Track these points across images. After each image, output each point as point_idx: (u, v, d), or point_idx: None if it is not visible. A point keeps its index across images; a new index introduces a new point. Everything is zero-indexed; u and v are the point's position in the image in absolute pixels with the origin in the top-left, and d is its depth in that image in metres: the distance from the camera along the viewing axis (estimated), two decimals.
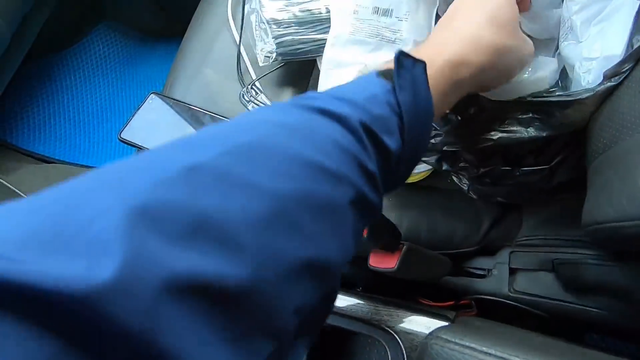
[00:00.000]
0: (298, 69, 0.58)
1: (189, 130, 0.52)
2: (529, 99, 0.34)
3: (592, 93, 0.31)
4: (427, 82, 0.24)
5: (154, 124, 0.52)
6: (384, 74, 0.24)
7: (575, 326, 0.40)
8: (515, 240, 0.48)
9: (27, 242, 0.12)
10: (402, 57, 0.23)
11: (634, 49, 0.30)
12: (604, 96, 0.32)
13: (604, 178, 0.31)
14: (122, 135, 0.51)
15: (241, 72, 0.56)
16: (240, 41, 0.57)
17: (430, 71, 0.25)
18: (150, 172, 0.15)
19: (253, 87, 0.52)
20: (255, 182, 0.16)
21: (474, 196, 0.46)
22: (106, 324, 0.11)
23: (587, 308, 0.38)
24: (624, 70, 0.30)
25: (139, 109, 0.53)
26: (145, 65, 1.13)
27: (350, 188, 0.20)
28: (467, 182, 0.45)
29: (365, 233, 0.39)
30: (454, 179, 0.46)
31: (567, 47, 0.38)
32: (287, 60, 0.54)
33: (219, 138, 0.18)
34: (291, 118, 0.20)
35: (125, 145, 0.52)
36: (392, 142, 0.22)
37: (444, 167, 0.45)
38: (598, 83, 0.32)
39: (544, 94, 0.34)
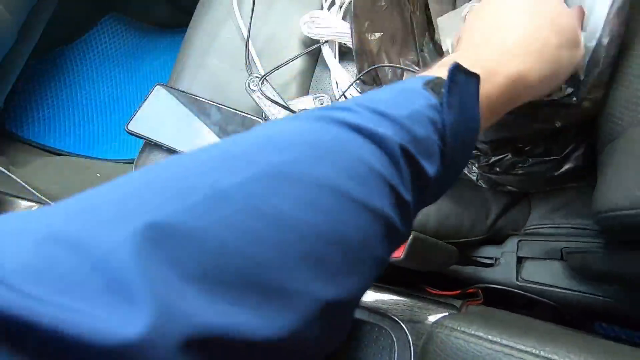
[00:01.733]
0: (304, 62, 0.57)
1: (195, 121, 0.52)
2: (545, 99, 0.34)
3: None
4: (478, 101, 0.22)
5: (160, 116, 0.53)
6: (431, 84, 0.21)
7: (584, 315, 0.40)
8: (523, 229, 0.48)
9: (39, 274, 0.11)
10: (457, 71, 0.21)
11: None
12: (613, 82, 0.31)
13: (616, 165, 0.30)
14: (129, 127, 0.52)
15: (249, 62, 0.56)
16: (249, 30, 0.56)
17: (484, 88, 0.22)
18: (172, 191, 0.14)
19: (263, 78, 0.51)
20: (287, 215, 0.15)
21: (483, 185, 0.46)
22: None
23: (597, 297, 0.38)
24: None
25: (144, 100, 0.53)
26: (152, 56, 1.13)
27: (381, 220, 0.18)
28: (476, 171, 0.45)
29: None
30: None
31: None
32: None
33: (250, 154, 0.16)
34: (327, 136, 0.18)
35: (133, 137, 0.52)
36: (431, 167, 0.20)
37: None
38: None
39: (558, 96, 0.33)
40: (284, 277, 0.14)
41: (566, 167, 0.39)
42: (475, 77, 0.22)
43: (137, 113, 0.53)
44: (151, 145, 0.52)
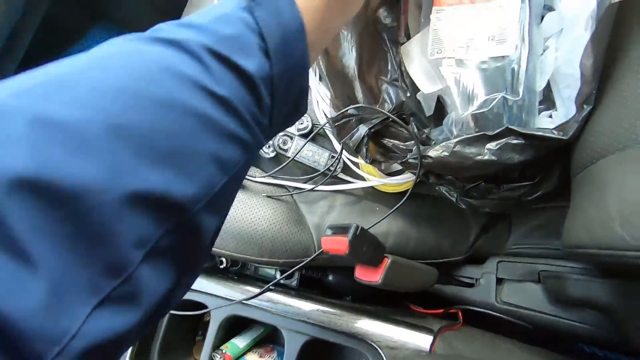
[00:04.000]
0: None
1: None
2: (521, 130, 0.34)
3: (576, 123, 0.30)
4: None
5: None
6: None
7: (563, 338, 0.40)
8: (503, 249, 0.47)
9: None
10: None
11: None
12: (586, 117, 0.31)
13: (582, 197, 0.30)
14: None
15: None
16: None
17: None
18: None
19: None
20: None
21: (463, 206, 0.45)
22: None
23: (573, 322, 0.37)
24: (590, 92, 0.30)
25: None
26: None
27: (190, 113, 0.18)
28: (455, 194, 0.44)
29: (346, 249, 0.39)
30: (442, 190, 0.45)
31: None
32: None
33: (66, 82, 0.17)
34: (124, 48, 0.19)
35: None
36: (250, 62, 0.20)
37: (431, 179, 0.44)
38: (574, 114, 0.32)
39: (534, 130, 0.34)
40: (105, 143, 0.16)
41: (540, 191, 0.39)
42: None
43: None
44: None
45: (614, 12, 0.30)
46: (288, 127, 0.26)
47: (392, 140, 0.44)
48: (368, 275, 0.43)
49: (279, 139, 0.50)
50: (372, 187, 0.51)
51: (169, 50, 0.19)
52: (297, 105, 0.24)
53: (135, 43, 0.19)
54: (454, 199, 0.45)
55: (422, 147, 0.41)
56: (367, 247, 0.40)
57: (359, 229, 0.39)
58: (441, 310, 0.48)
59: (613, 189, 0.25)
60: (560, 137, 0.34)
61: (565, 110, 0.38)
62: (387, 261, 0.41)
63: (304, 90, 0.24)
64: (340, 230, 0.40)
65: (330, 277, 0.51)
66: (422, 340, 0.38)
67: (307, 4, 0.23)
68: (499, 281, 0.44)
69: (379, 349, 0.39)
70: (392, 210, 0.45)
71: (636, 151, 0.27)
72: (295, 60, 0.22)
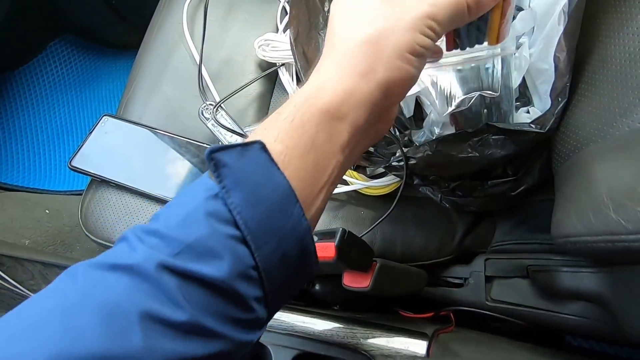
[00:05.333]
0: (261, 86, 0.56)
1: (146, 153, 0.49)
2: (500, 126, 0.34)
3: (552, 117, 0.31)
4: (272, 164, 0.19)
5: (108, 149, 0.49)
6: (214, 165, 0.19)
7: (555, 332, 0.39)
8: (489, 246, 0.47)
9: None
10: (216, 154, 0.18)
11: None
12: (562, 110, 0.32)
13: (570, 187, 0.30)
14: (72, 164, 0.48)
15: (203, 87, 0.54)
16: (201, 54, 0.54)
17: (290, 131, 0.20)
18: None
19: (216, 107, 0.49)
20: None
21: (447, 205, 0.45)
22: None
23: (564, 315, 0.37)
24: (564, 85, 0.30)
25: (90, 133, 0.50)
26: (108, 79, 1.08)
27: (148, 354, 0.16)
28: (439, 194, 0.44)
29: (334, 255, 0.37)
30: (426, 190, 0.44)
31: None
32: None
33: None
34: (81, 285, 0.17)
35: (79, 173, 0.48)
36: (216, 266, 0.18)
37: (415, 181, 0.44)
38: (549, 108, 0.32)
39: (512, 124, 0.34)
40: None
41: (523, 186, 0.39)
42: (255, 144, 0.19)
43: (82, 147, 0.49)
44: (98, 181, 0.48)
45: (583, 5, 0.31)
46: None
47: (374, 145, 0.43)
48: (357, 282, 0.41)
49: None
50: (355, 191, 0.49)
51: (124, 279, 0.17)
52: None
53: (92, 275, 0.18)
54: (438, 199, 0.44)
55: (405, 150, 0.41)
56: (355, 251, 0.39)
57: (347, 233, 0.37)
58: (431, 314, 0.47)
59: (601, 176, 0.25)
60: (538, 130, 0.35)
61: (542, 105, 0.38)
62: (376, 265, 0.40)
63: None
64: (326, 235, 0.39)
65: (317, 287, 0.49)
66: (417, 346, 0.37)
67: (297, 162, 0.20)
68: (488, 279, 0.44)
69: (373, 359, 0.37)
70: (383, 218, 0.44)
71: (617, 139, 0.28)
72: (287, 232, 0.19)
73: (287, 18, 0.56)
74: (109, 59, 1.10)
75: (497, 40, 0.26)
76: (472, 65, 0.41)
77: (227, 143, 0.48)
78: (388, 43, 0.21)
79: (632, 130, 0.26)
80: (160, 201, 0.46)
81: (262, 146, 0.19)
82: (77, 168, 0.47)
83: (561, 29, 0.32)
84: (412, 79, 0.22)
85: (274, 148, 0.20)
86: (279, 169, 0.19)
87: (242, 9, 0.59)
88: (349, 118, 0.21)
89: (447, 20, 0.22)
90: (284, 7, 0.59)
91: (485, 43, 0.27)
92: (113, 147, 0.49)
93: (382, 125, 0.25)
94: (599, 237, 0.24)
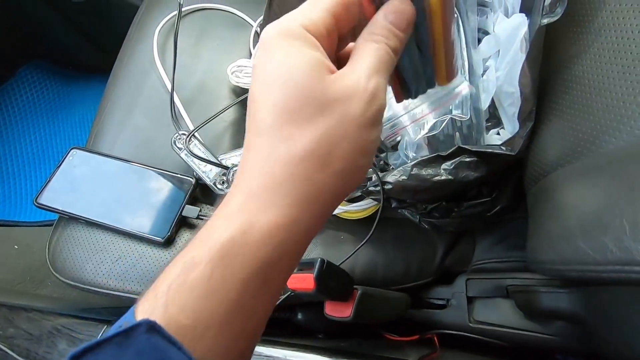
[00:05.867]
0: (235, 113, 0.55)
1: (118, 187, 0.47)
2: (472, 149, 0.34)
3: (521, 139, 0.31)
4: (172, 347, 0.14)
5: (76, 184, 0.47)
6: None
7: (541, 352, 0.39)
8: (470, 265, 0.47)
9: None
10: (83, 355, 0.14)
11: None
12: (530, 133, 0.32)
13: (541, 213, 0.30)
14: (38, 201, 0.46)
15: (175, 115, 0.53)
16: (173, 81, 0.53)
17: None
18: None
19: (189, 136, 0.48)
20: None
21: (426, 227, 0.45)
22: None
23: (545, 336, 0.37)
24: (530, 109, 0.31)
25: (58, 168, 0.48)
26: (80, 104, 1.05)
27: None
28: (417, 215, 0.44)
29: (313, 287, 0.36)
30: (405, 212, 0.44)
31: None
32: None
33: None
34: None
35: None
36: None
37: (393, 204, 0.43)
38: (517, 129, 0.33)
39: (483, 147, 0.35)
40: None
41: (499, 206, 0.39)
42: (139, 326, 0.14)
43: (49, 183, 0.47)
44: (67, 218, 0.46)
45: (543, 34, 0.32)
46: None
47: None
48: (338, 311, 0.41)
49: (233, 174, 0.48)
50: (334, 215, 0.49)
51: None
52: None
53: None
54: (416, 220, 0.44)
55: (381, 174, 0.40)
56: (334, 281, 0.38)
57: (325, 264, 0.37)
58: (417, 336, 0.47)
59: (569, 202, 0.26)
60: (508, 152, 0.35)
61: (511, 127, 0.39)
62: (357, 293, 0.39)
63: None
64: (305, 266, 0.38)
65: (300, 316, 0.48)
66: None
67: (213, 336, 0.15)
68: (470, 300, 0.44)
69: None
70: (362, 243, 0.44)
71: (583, 164, 0.28)
72: None
73: None
74: (81, 83, 1.08)
75: (448, 79, 0.25)
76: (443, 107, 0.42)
77: (201, 173, 0.47)
78: (337, 149, 0.17)
79: (596, 156, 0.27)
80: (133, 236, 0.45)
81: (150, 327, 0.14)
82: (44, 205, 0.45)
83: (524, 55, 0.33)
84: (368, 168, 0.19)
85: (177, 322, 0.15)
86: (184, 352, 0.14)
87: (213, 35, 0.59)
88: (288, 255, 0.17)
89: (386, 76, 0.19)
90: (256, 32, 0.59)
91: (437, 85, 0.25)
92: (82, 182, 0.47)
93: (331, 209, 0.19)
94: (570, 266, 0.24)
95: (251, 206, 0.16)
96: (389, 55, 0.19)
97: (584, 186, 0.26)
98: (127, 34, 0.62)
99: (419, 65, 0.23)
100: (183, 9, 0.59)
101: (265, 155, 0.17)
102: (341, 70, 0.18)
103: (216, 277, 0.15)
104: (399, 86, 0.25)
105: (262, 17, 0.49)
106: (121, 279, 0.43)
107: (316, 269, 0.36)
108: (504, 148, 0.36)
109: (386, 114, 0.43)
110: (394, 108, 0.42)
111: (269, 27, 0.18)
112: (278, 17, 0.18)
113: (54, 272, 0.44)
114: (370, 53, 0.18)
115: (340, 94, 0.17)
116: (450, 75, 0.24)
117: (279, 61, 0.17)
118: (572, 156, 0.29)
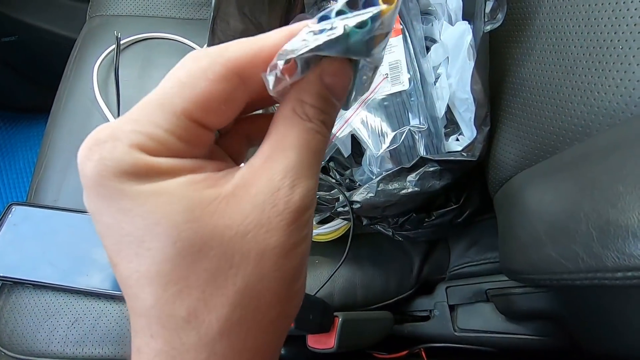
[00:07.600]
0: None
1: (67, 241, 0.43)
2: (434, 158, 0.34)
3: (480, 144, 0.31)
4: None
5: (19, 244, 0.43)
6: None
7: (525, 356, 0.39)
8: (447, 272, 0.47)
9: None
10: None
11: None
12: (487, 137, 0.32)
13: (509, 218, 0.30)
14: None
15: None
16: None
17: None
18: None
19: None
20: None
21: (400, 239, 0.44)
22: None
23: (529, 336, 0.37)
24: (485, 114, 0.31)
25: None
26: (24, 147, 0.98)
27: None
28: (390, 229, 0.43)
29: (291, 324, 0.34)
30: (378, 227, 0.43)
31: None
32: None
33: None
34: None
35: None
36: None
37: (364, 222, 0.42)
38: (475, 135, 0.33)
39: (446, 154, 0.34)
40: None
41: (468, 211, 0.39)
42: None
43: None
44: (11, 284, 0.42)
45: (487, 40, 0.32)
46: None
47: (318, 193, 0.41)
48: (321, 342, 0.39)
49: None
50: None
51: None
52: None
53: None
54: (390, 234, 0.43)
55: (347, 194, 0.39)
56: (314, 314, 0.36)
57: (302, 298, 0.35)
58: (406, 352, 0.46)
59: (534, 209, 0.25)
60: (470, 158, 0.35)
61: (469, 132, 0.39)
62: (339, 321, 0.38)
63: None
64: None
65: (283, 352, 0.45)
66: None
67: None
68: (452, 308, 0.43)
69: None
70: (338, 267, 0.42)
71: (542, 166, 0.28)
72: None
73: None
74: (23, 125, 1.00)
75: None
76: (397, 100, 0.41)
77: None
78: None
79: (553, 157, 0.27)
80: (90, 294, 0.41)
81: None
82: None
83: (472, 63, 0.33)
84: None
85: None
86: None
87: (157, 65, 0.56)
88: None
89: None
90: None
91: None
92: (25, 241, 0.43)
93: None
94: (543, 275, 0.23)
95: None
96: (324, 138, 0.13)
97: (546, 189, 0.26)
98: (63, 72, 0.58)
99: None
100: (123, 41, 0.56)
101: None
102: (241, 176, 0.12)
103: None
104: None
105: (206, 44, 0.47)
106: (79, 344, 0.38)
107: None
108: (465, 154, 0.36)
109: (346, 131, 0.42)
110: None
111: (85, 161, 0.12)
112: (222, 42, 0.13)
113: (1, 349, 0.39)
114: (295, 138, 0.12)
115: (236, 232, 0.11)
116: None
117: (123, 221, 0.11)
118: (531, 159, 0.29)
